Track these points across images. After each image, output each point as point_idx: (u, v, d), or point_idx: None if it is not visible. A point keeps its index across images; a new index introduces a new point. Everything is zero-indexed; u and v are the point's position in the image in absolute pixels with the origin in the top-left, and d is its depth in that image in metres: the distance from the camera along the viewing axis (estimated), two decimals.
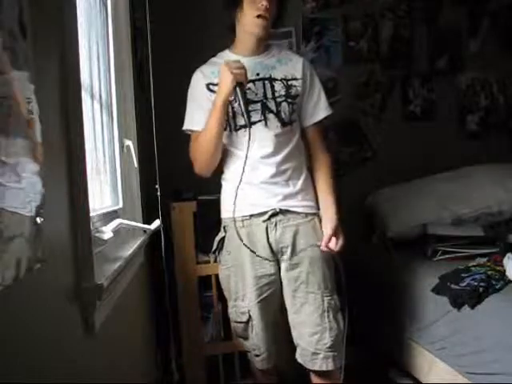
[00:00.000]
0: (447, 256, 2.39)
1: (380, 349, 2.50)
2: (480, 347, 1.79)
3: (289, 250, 1.81)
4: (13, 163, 0.65)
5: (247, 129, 1.74)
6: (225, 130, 1.80)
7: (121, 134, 1.93)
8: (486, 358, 1.76)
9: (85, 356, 1.03)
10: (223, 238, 1.87)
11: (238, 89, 1.70)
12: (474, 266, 2.12)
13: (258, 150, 1.77)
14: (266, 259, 1.80)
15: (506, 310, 1.78)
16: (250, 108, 1.77)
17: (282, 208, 1.81)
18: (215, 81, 1.82)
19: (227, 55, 1.87)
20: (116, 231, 1.50)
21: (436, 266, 2.30)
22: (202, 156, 1.82)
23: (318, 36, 3.13)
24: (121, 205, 1.88)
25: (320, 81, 1.93)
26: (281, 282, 1.85)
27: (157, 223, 2.05)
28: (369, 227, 2.99)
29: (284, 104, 1.82)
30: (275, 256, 1.83)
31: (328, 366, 1.79)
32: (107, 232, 1.37)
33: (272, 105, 1.80)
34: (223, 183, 1.91)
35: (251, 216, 1.81)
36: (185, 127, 1.88)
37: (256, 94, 1.79)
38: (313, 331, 1.79)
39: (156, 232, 2.14)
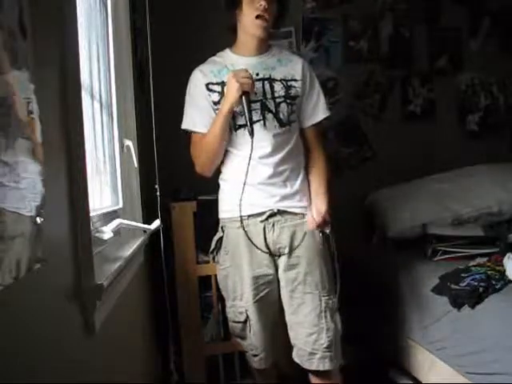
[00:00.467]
0: (447, 256, 2.39)
1: (380, 349, 2.50)
2: (480, 347, 1.79)
3: (286, 251, 1.81)
4: (13, 163, 0.65)
5: (246, 128, 1.75)
6: None
7: (121, 134, 1.93)
8: (486, 357, 1.76)
9: (85, 356, 1.03)
10: (221, 238, 1.88)
11: (243, 97, 1.71)
12: (473, 266, 2.12)
13: (256, 150, 1.77)
14: (267, 252, 1.81)
15: (506, 310, 1.78)
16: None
17: (280, 208, 1.82)
18: (214, 80, 1.82)
19: (228, 55, 1.88)
20: (116, 231, 1.50)
21: (436, 266, 2.30)
22: (204, 158, 1.84)
23: (318, 36, 3.13)
24: (121, 205, 1.88)
25: (319, 82, 1.94)
26: (278, 282, 1.85)
27: (157, 223, 2.05)
28: (369, 227, 2.99)
29: (283, 105, 1.82)
30: (273, 256, 1.83)
31: (325, 366, 1.80)
32: (107, 232, 1.36)
33: (271, 105, 1.81)
34: (221, 183, 1.91)
35: (249, 216, 1.81)
36: (184, 126, 1.88)
37: (255, 94, 1.79)
38: (310, 331, 1.79)
39: (156, 232, 2.14)
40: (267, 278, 1.83)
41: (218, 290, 2.43)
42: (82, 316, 1.03)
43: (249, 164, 1.75)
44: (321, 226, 1.83)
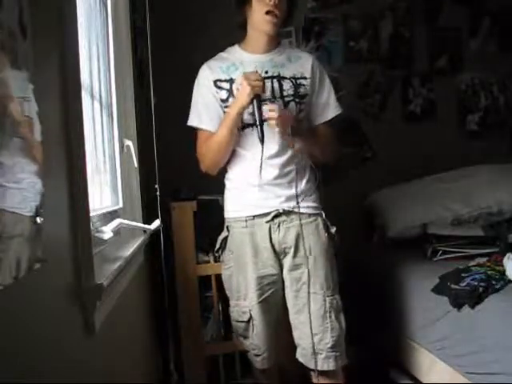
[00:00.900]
0: (447, 256, 2.39)
1: (380, 349, 2.50)
2: (480, 347, 1.79)
3: (291, 251, 1.81)
4: (11, 163, 0.65)
5: (254, 128, 1.74)
6: None
7: (121, 134, 1.93)
8: (485, 358, 1.76)
9: (85, 356, 1.03)
10: (226, 238, 1.87)
11: (255, 101, 1.70)
12: (473, 265, 2.12)
13: (263, 150, 1.76)
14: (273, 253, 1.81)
15: (506, 310, 1.78)
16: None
17: (285, 209, 1.81)
18: (223, 77, 1.81)
19: (236, 51, 1.86)
20: (116, 231, 1.50)
21: (436, 266, 2.30)
22: (210, 157, 1.83)
23: (318, 36, 3.13)
24: (121, 205, 1.88)
25: (330, 80, 1.92)
26: (283, 282, 1.85)
27: (157, 223, 2.05)
28: (369, 227, 2.99)
29: (292, 104, 1.81)
30: (278, 256, 1.83)
31: (329, 365, 1.79)
32: (107, 232, 1.37)
33: (280, 104, 1.78)
34: (227, 183, 1.90)
35: (254, 217, 1.81)
36: (190, 123, 1.87)
37: (264, 93, 1.77)
38: (314, 331, 1.79)
39: (156, 232, 2.13)
40: (272, 278, 1.82)
41: (218, 289, 2.44)
42: (82, 316, 1.03)
43: (260, 168, 1.74)
44: (280, 121, 1.69)
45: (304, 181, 1.85)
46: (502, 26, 3.34)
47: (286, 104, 1.80)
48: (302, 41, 3.10)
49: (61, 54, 1.00)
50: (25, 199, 0.69)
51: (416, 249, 2.53)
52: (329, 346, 1.78)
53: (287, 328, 1.87)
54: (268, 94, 1.78)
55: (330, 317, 1.79)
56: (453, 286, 2.00)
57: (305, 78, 1.84)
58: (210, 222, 2.38)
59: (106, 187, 1.74)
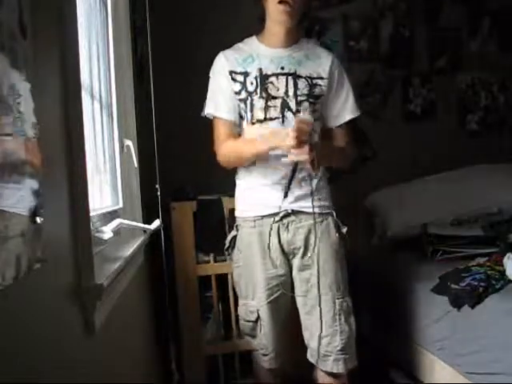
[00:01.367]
0: (447, 256, 2.39)
1: (380, 349, 2.50)
2: (480, 347, 1.79)
3: (300, 251, 1.79)
4: (6, 162, 0.64)
5: (265, 123, 1.73)
6: (241, 119, 1.80)
7: (121, 134, 1.93)
8: (485, 358, 1.76)
9: (85, 356, 1.03)
10: (235, 237, 1.87)
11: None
12: (473, 265, 2.12)
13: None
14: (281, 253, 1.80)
15: (506, 310, 1.78)
16: (269, 103, 1.75)
17: (294, 209, 1.79)
18: (238, 69, 1.78)
19: (254, 43, 1.83)
20: (116, 231, 1.50)
21: (436, 266, 2.30)
22: (228, 161, 1.83)
23: (318, 35, 3.12)
24: (121, 205, 1.88)
25: (349, 81, 1.89)
26: (292, 283, 1.84)
27: (157, 223, 2.05)
28: (369, 227, 2.98)
29: (305, 104, 1.78)
30: (287, 257, 1.82)
31: (339, 368, 1.77)
32: (107, 232, 1.36)
33: (292, 104, 1.77)
34: (237, 182, 1.90)
35: (263, 217, 1.80)
36: (206, 111, 1.84)
37: (278, 90, 1.76)
38: (324, 333, 1.77)
39: (156, 232, 2.13)
40: (281, 278, 1.80)
41: (218, 289, 2.44)
42: (82, 316, 1.03)
43: (293, 180, 1.72)
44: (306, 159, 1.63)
45: (315, 180, 1.81)
46: (502, 26, 3.34)
47: (298, 104, 1.77)
48: None
49: (61, 54, 1.00)
50: (21, 199, 0.68)
51: (416, 249, 2.53)
52: (338, 348, 1.76)
53: (296, 328, 1.86)
54: (282, 91, 1.76)
55: (340, 319, 1.77)
56: (453, 286, 2.00)
57: (321, 78, 1.81)
58: (210, 222, 2.38)
59: (106, 187, 1.74)
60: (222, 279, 2.43)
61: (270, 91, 1.76)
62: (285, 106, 1.76)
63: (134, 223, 1.84)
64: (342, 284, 1.80)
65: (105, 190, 1.69)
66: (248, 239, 1.82)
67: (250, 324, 1.85)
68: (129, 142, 1.98)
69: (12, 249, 0.63)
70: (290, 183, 1.71)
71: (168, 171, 2.36)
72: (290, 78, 1.78)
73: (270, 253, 1.79)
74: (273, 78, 1.76)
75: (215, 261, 2.43)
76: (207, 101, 1.85)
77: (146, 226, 1.95)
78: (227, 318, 2.46)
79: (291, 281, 1.84)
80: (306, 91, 1.78)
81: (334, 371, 1.78)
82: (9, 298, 0.64)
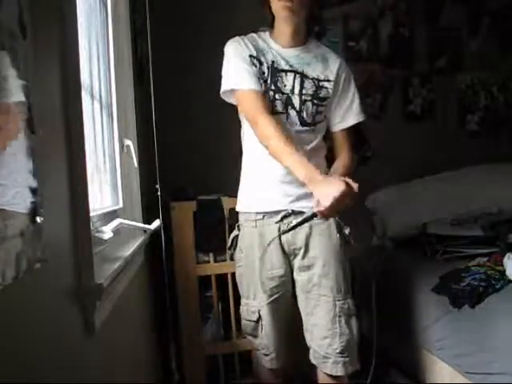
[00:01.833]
0: (447, 256, 2.39)
1: (380, 349, 2.49)
2: (480, 347, 1.79)
3: (301, 252, 1.78)
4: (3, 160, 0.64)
5: (276, 116, 1.71)
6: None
7: (121, 134, 1.93)
8: (485, 358, 1.76)
9: (85, 356, 1.03)
10: (237, 236, 1.87)
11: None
12: (473, 265, 2.12)
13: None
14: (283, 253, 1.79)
15: (506, 310, 1.78)
16: (276, 96, 1.74)
17: (295, 209, 1.77)
18: (255, 55, 1.76)
19: (267, 38, 1.82)
20: (116, 231, 1.50)
21: (436, 265, 2.30)
22: (268, 145, 1.68)
23: (318, 35, 3.12)
24: (121, 205, 1.88)
25: (356, 85, 1.87)
26: (293, 284, 1.83)
27: (157, 223, 2.05)
28: (369, 227, 2.99)
29: (308, 104, 1.77)
30: (287, 257, 1.81)
31: (338, 371, 1.75)
32: (107, 232, 1.36)
33: (296, 102, 1.76)
34: (242, 177, 1.88)
35: (264, 216, 1.79)
36: (228, 87, 1.76)
37: (285, 86, 1.75)
38: (324, 335, 1.76)
39: (156, 232, 2.13)
40: (281, 279, 1.80)
41: (218, 289, 2.44)
42: (82, 316, 1.03)
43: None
44: (324, 214, 1.56)
45: None
46: (502, 26, 3.34)
47: (302, 103, 1.77)
48: None
49: (61, 54, 1.00)
50: (16, 195, 0.67)
51: (416, 249, 2.53)
52: (337, 351, 1.75)
53: (296, 329, 1.85)
54: (288, 88, 1.76)
55: (340, 321, 1.75)
56: (453, 286, 2.00)
57: (328, 81, 1.80)
58: (210, 222, 2.39)
59: (106, 187, 1.74)
60: (222, 279, 2.43)
61: (279, 85, 1.76)
62: (289, 102, 1.76)
63: (134, 223, 1.84)
64: (344, 286, 1.78)
65: (105, 189, 1.69)
66: (249, 239, 1.82)
67: (252, 324, 1.84)
68: (129, 142, 1.98)
69: (11, 248, 0.63)
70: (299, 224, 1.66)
71: (168, 171, 2.36)
72: (297, 76, 1.78)
73: (270, 253, 1.79)
74: (282, 74, 1.77)
75: (215, 261, 2.43)
76: (225, 78, 1.77)
77: (146, 226, 1.95)
78: (227, 318, 2.46)
79: (292, 281, 1.84)
80: (311, 92, 1.78)
81: (334, 374, 1.77)
82: (9, 298, 0.64)
